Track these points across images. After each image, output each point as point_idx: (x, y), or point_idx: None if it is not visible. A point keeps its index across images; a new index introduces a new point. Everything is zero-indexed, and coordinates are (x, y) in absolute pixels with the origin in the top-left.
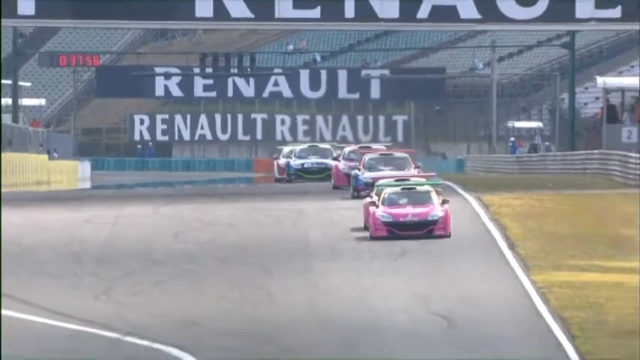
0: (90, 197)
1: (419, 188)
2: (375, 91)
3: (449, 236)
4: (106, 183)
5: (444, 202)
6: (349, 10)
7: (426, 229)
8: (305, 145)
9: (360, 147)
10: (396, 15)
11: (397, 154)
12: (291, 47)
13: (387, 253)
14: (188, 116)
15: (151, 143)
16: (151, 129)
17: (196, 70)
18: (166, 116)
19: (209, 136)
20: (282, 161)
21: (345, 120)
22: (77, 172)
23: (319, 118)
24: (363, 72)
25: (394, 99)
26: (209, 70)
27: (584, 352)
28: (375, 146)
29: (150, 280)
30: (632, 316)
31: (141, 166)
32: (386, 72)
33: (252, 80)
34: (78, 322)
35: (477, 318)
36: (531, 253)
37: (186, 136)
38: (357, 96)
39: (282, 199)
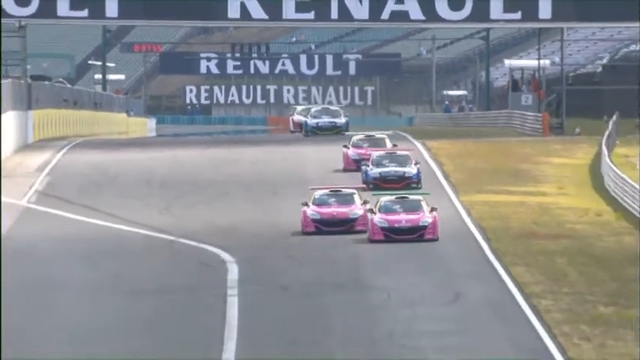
0: (155, 142)
1: (411, 197)
2: (352, 70)
3: (437, 240)
4: (166, 133)
5: (432, 209)
6: (334, 13)
7: (417, 234)
8: (319, 107)
9: (365, 135)
10: (367, 17)
11: (400, 152)
12: (294, 39)
13: (358, 181)
14: (223, 87)
15: (197, 105)
16: (197, 95)
17: (228, 55)
18: (208, 87)
19: (237, 101)
20: (295, 117)
21: (331, 90)
22: (146, 126)
23: (313, 88)
24: (344, 56)
25: (365, 75)
26: (237, 55)
27: (495, 249)
28: (378, 135)
29: (197, 199)
30: (529, 224)
31: (190, 121)
32: (359, 56)
33: (267, 62)
34: (147, 228)
35: None
36: (460, 181)
37: (222, 100)
38: (339, 73)
39: (288, 145)
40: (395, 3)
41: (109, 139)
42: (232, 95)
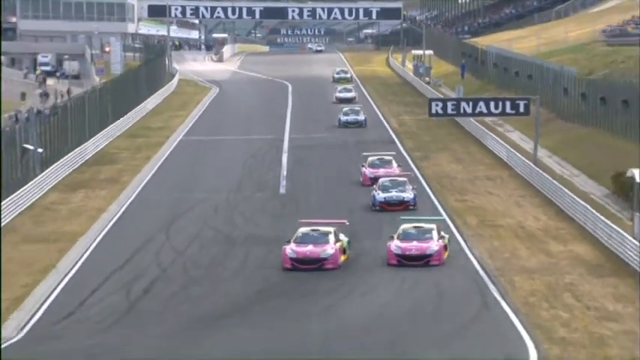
0: (269, 53)
1: (426, 227)
2: (323, 34)
3: (443, 264)
4: (270, 51)
5: (441, 237)
6: (317, 17)
7: (424, 260)
8: (347, 108)
9: (377, 158)
10: (326, 17)
11: (400, 179)
12: (307, 23)
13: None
14: (287, 38)
15: (280, 43)
16: (281, 40)
17: (288, 28)
18: (282, 39)
19: (291, 42)
20: (337, 94)
21: (318, 40)
22: (267, 48)
23: (312, 39)
24: (320, 29)
25: (327, 35)
26: (290, 29)
27: (363, 84)
28: (386, 157)
29: (280, 67)
30: (372, 75)
31: (276, 48)
32: (324, 29)
33: (300, 30)
34: (265, 76)
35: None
36: (351, 62)
37: (287, 41)
38: (320, 35)
39: (310, 55)
40: (334, 14)
41: (257, 52)
42: (290, 39)
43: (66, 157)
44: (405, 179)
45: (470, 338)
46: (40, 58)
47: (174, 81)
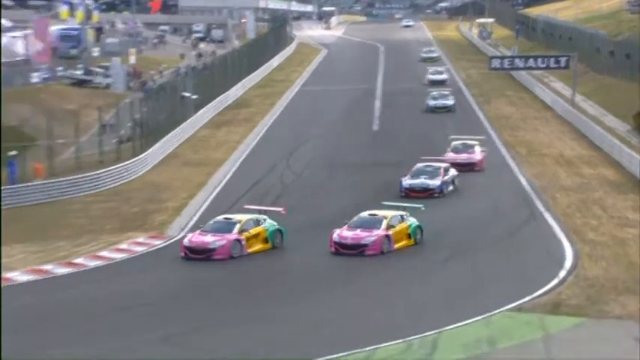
0: (364, 22)
1: (379, 215)
2: (407, 6)
3: (379, 255)
4: (366, 21)
5: (389, 227)
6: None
7: (358, 250)
8: (436, 92)
9: (461, 143)
10: None
11: (435, 164)
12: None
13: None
14: (380, 12)
15: (371, 17)
16: (373, 12)
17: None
18: (373, 10)
19: (380, 13)
20: (428, 76)
21: (401, 14)
22: (361, 19)
23: (400, 12)
24: (406, 3)
25: (410, 8)
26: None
27: (435, 39)
28: (470, 142)
29: (366, 33)
30: (446, 38)
31: (371, 18)
32: (408, 2)
33: (389, 4)
34: (353, 38)
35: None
36: (429, 28)
37: (379, 13)
38: (406, 7)
39: (396, 23)
40: None
41: (356, 21)
42: (382, 11)
43: (213, 101)
44: (439, 165)
45: (520, 239)
46: (195, 27)
47: (294, 44)
